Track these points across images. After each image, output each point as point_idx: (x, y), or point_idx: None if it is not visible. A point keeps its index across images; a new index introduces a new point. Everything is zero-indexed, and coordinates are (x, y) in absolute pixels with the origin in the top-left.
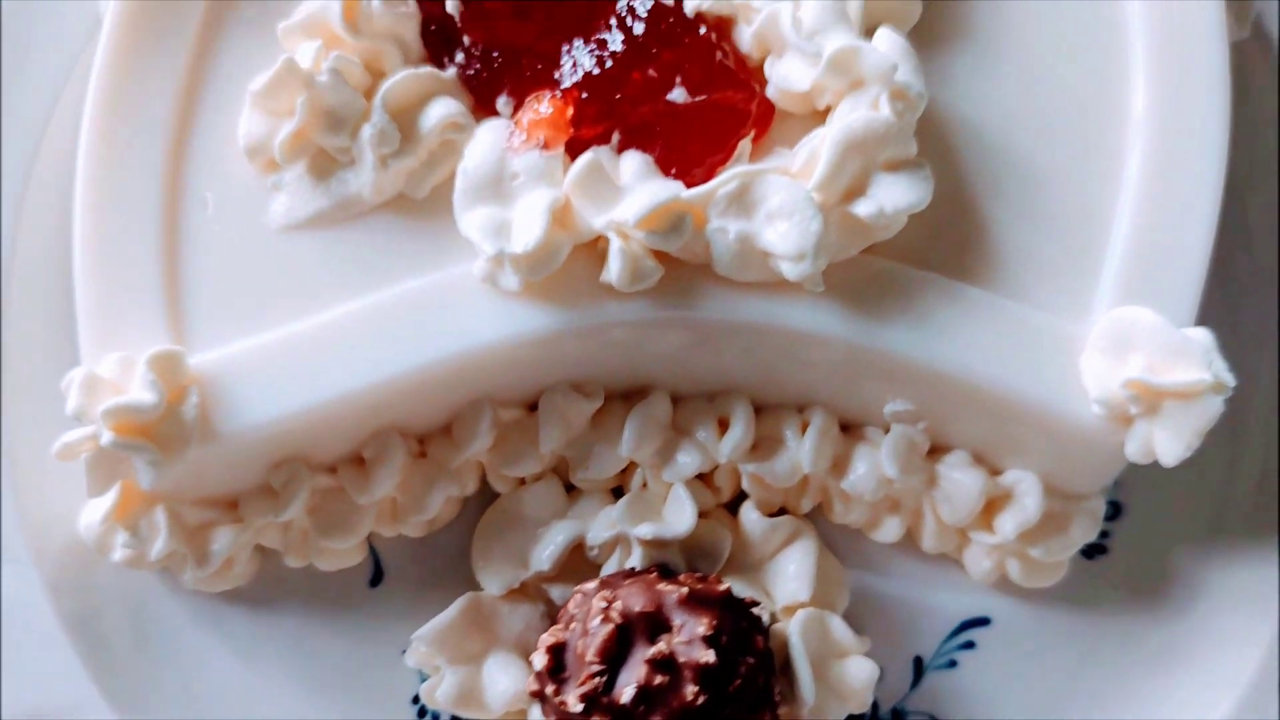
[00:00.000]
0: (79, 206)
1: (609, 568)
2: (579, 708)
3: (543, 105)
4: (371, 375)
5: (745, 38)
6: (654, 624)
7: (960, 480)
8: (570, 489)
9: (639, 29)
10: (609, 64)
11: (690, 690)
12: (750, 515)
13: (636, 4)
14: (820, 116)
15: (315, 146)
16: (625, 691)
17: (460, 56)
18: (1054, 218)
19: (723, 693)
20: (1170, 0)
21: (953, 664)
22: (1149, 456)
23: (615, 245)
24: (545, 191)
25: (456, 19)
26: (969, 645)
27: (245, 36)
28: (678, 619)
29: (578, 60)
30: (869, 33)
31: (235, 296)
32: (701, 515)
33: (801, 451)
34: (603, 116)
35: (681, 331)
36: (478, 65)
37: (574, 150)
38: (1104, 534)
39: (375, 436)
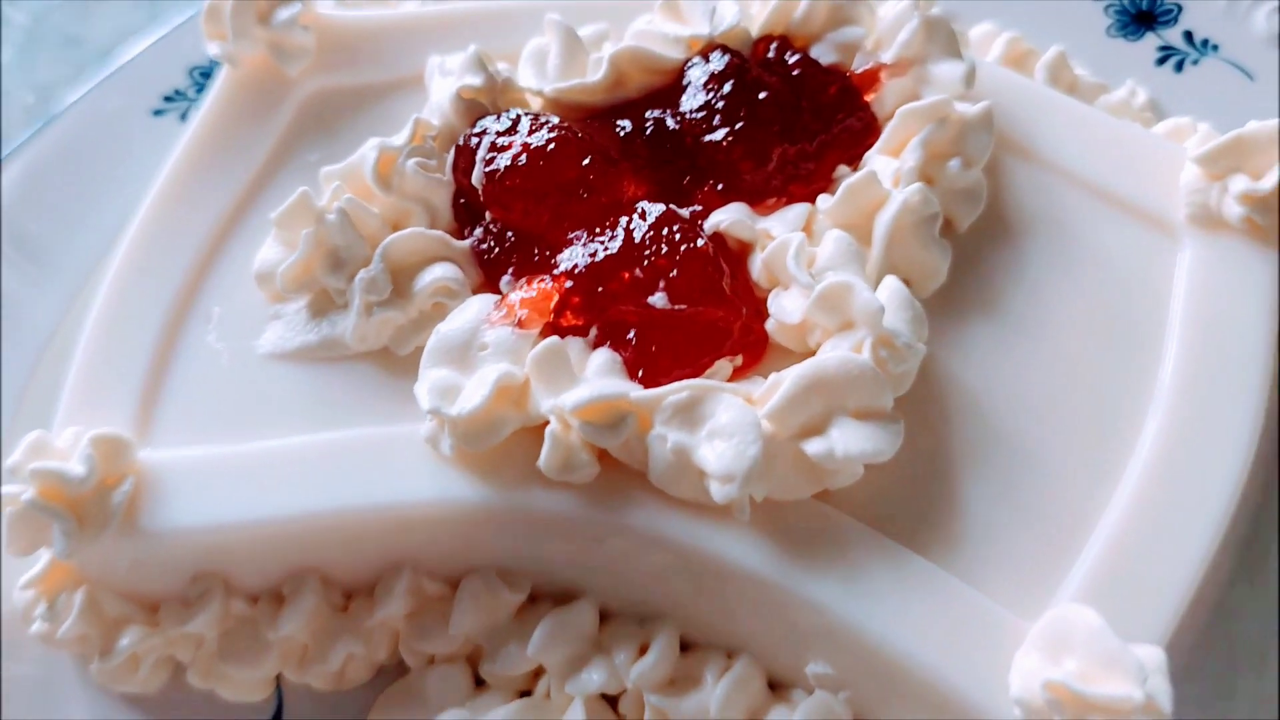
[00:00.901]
0: (103, 293)
1: None
2: None
3: (531, 287)
4: (296, 507)
5: (757, 266)
6: None
7: None
8: (480, 680)
9: (640, 231)
10: (600, 258)
11: None
12: None
13: (648, 207)
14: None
15: (319, 285)
16: None
17: (479, 231)
18: (1034, 505)
19: None
20: (1216, 306)
21: None
22: None
23: (553, 430)
24: (503, 366)
25: (479, 192)
26: None
27: (300, 177)
28: None
29: (575, 252)
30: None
31: (205, 406)
32: None
33: (714, 694)
34: (584, 309)
35: (606, 536)
36: (491, 241)
37: (559, 337)
38: None
39: (295, 574)
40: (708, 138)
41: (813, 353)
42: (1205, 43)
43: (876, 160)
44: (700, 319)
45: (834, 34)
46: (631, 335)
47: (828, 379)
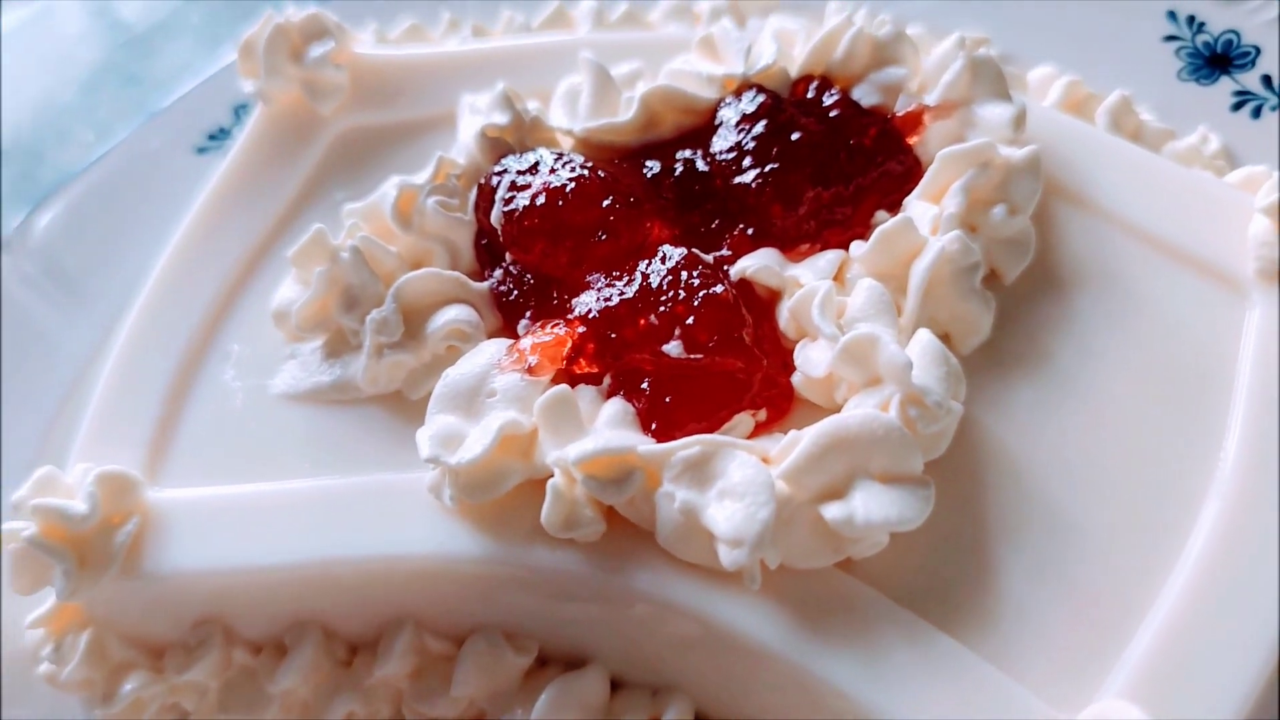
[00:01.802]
0: (127, 329)
1: None
2: None
3: (545, 332)
4: (298, 554)
5: (784, 315)
6: None
7: None
8: None
9: (658, 276)
10: (614, 303)
11: None
12: None
13: (669, 251)
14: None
15: (335, 325)
16: None
17: (498, 273)
18: (1078, 586)
19: None
20: None
21: None
22: None
23: (556, 484)
24: (510, 415)
25: (499, 233)
26: None
27: (326, 215)
28: None
29: (591, 296)
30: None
31: (216, 446)
32: None
33: None
34: (598, 356)
35: (608, 600)
36: (510, 283)
37: (571, 386)
38: None
39: (297, 625)
40: (737, 179)
41: (840, 409)
42: None
43: (915, 206)
44: (718, 369)
45: (876, 74)
46: (646, 385)
47: (850, 438)
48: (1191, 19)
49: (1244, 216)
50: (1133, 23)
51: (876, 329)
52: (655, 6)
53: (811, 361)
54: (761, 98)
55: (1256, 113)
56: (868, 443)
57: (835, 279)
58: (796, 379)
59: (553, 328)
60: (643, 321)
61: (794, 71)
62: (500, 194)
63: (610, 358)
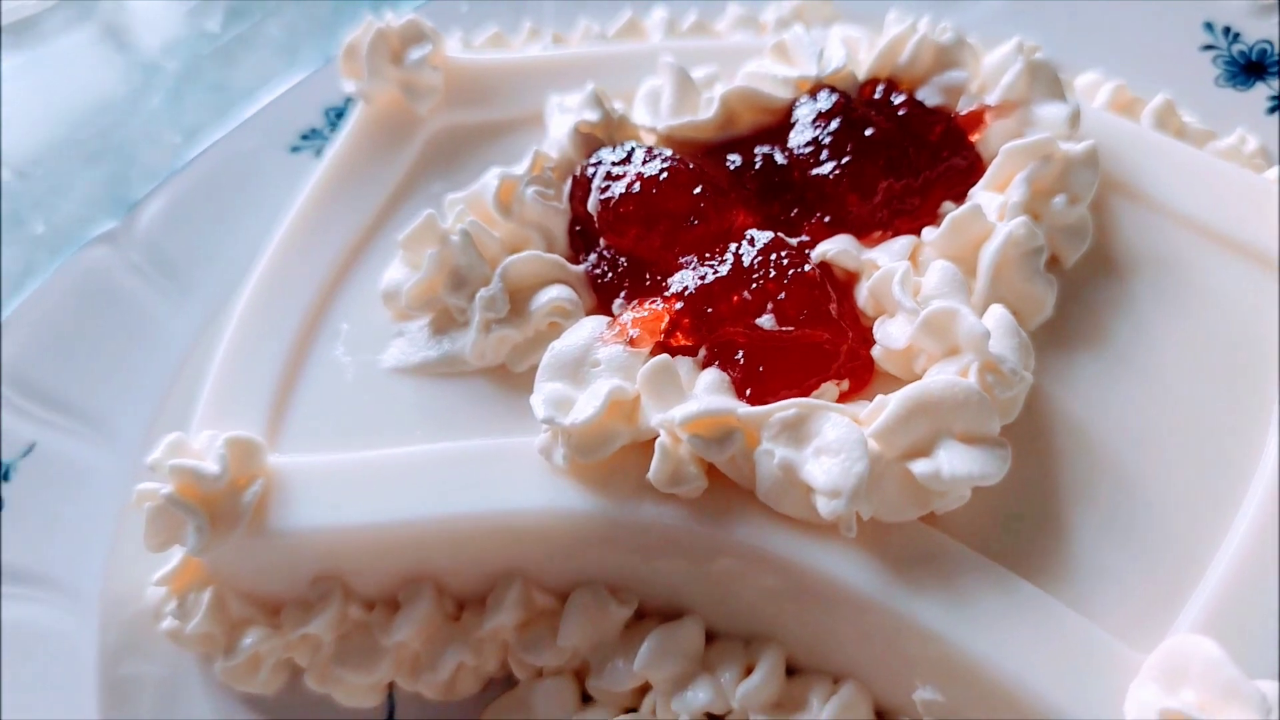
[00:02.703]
0: (241, 308)
1: None
2: None
3: (643, 308)
4: (413, 512)
5: (862, 295)
6: None
7: None
8: (587, 697)
9: (749, 256)
10: (710, 281)
11: None
12: None
13: (757, 234)
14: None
15: (441, 304)
16: None
17: (593, 257)
18: (1145, 537)
19: None
20: None
21: None
22: None
23: (662, 443)
24: (614, 382)
25: (595, 219)
26: None
27: (425, 206)
28: None
29: (686, 275)
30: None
31: (331, 415)
32: None
33: (821, 717)
34: (694, 330)
35: (712, 551)
36: (605, 266)
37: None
38: None
39: (410, 581)
40: (815, 171)
41: (918, 379)
42: None
43: (981, 195)
44: (807, 341)
45: (939, 77)
46: (740, 356)
47: (934, 401)
48: (1227, 30)
49: None
50: (1172, 32)
51: (954, 303)
52: (722, 16)
53: (891, 335)
54: (835, 97)
55: None
56: (950, 406)
57: (909, 260)
58: (875, 352)
59: (650, 304)
60: (736, 298)
61: (861, 75)
62: (597, 183)
63: (706, 331)
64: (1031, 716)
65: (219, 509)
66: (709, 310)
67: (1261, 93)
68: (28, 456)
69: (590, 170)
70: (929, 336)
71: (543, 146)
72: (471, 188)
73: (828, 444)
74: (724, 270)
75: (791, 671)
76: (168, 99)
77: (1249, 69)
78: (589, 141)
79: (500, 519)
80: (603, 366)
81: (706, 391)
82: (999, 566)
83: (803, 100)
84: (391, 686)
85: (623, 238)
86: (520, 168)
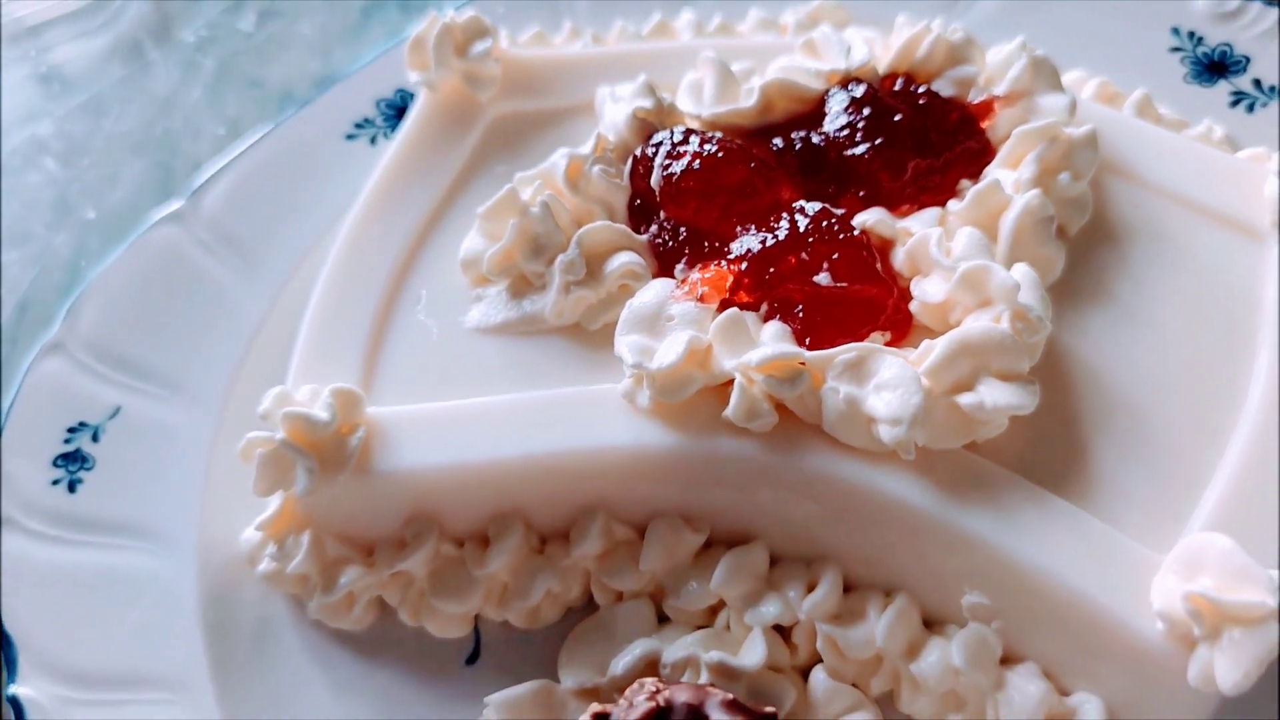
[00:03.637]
0: (325, 275)
1: None
2: None
3: (708, 269)
4: (508, 451)
5: (899, 258)
6: (693, 715)
7: (1025, 688)
8: (663, 619)
9: (803, 223)
10: (770, 245)
11: None
12: (819, 676)
13: (807, 205)
14: None
15: (517, 270)
16: None
17: (654, 228)
18: (1155, 458)
19: None
20: None
21: None
22: (1210, 683)
23: (739, 383)
24: (691, 333)
25: (656, 193)
26: None
27: (490, 184)
28: (716, 716)
29: (746, 240)
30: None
31: (419, 371)
32: (774, 668)
33: (879, 626)
34: (756, 288)
35: (784, 479)
36: (666, 236)
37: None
38: None
39: (500, 516)
40: (849, 152)
41: (951, 330)
42: (1272, 88)
43: (997, 172)
44: (860, 295)
45: (951, 71)
46: (799, 310)
47: (973, 344)
48: (1191, 34)
49: (1258, 181)
50: (1144, 36)
51: (987, 261)
52: (744, 19)
53: (928, 292)
54: (864, 87)
55: (1250, 108)
56: (988, 348)
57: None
58: (913, 306)
59: (714, 266)
60: (794, 259)
61: (881, 69)
62: (659, 160)
63: (767, 289)
64: (1068, 610)
65: (327, 453)
66: (771, 270)
67: (1224, 89)
68: (114, 419)
69: (651, 150)
70: (965, 290)
71: (600, 131)
72: (541, 166)
73: (886, 381)
74: (782, 235)
75: (847, 589)
76: (206, 94)
77: (1212, 68)
78: (644, 126)
79: (588, 456)
80: (677, 320)
81: (773, 339)
82: (1033, 484)
83: (834, 91)
84: (476, 619)
85: (684, 209)
86: (585, 148)
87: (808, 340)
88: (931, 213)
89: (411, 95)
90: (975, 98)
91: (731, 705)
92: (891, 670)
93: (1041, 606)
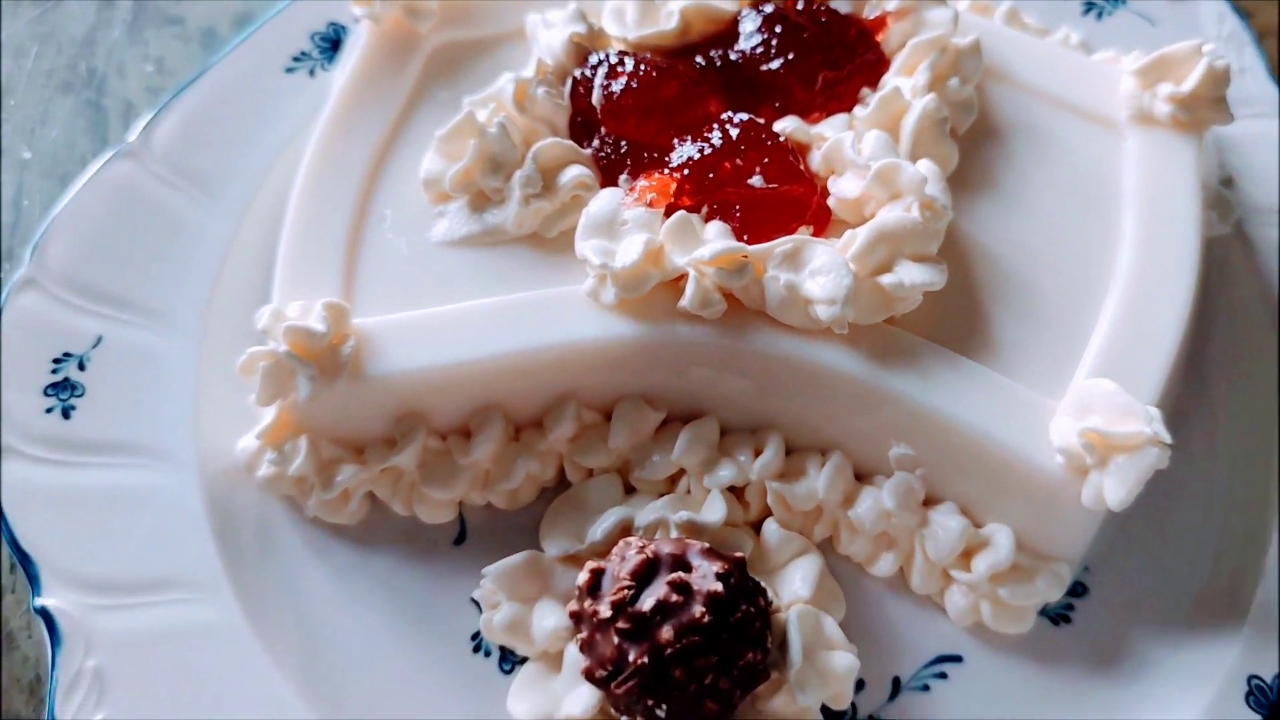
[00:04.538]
0: (294, 201)
1: None
2: (608, 614)
3: (652, 178)
4: (487, 350)
5: (815, 160)
6: (678, 563)
7: (946, 524)
8: (630, 491)
9: (734, 133)
10: (707, 153)
11: (698, 610)
12: (770, 527)
13: (735, 116)
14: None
15: (476, 187)
16: (646, 603)
17: (596, 143)
18: (1043, 319)
19: (724, 620)
20: (1157, 183)
21: (926, 688)
22: (1100, 503)
23: (692, 276)
24: (645, 235)
25: (598, 111)
26: (942, 676)
27: (436, 110)
28: (697, 561)
29: (685, 150)
30: None
31: (394, 284)
32: (731, 525)
33: (819, 481)
34: (697, 191)
35: (734, 359)
36: (608, 149)
37: (672, 215)
38: (1069, 607)
39: (481, 411)
40: (765, 67)
41: (865, 222)
42: None
43: (895, 80)
44: (789, 195)
45: None
46: (737, 209)
47: (889, 231)
48: None
49: (1114, 80)
50: None
51: (897, 159)
52: None
53: (844, 189)
54: (773, 7)
55: (1099, 16)
56: (902, 234)
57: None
58: (831, 201)
59: (658, 175)
60: (729, 165)
61: None
62: (599, 80)
63: (707, 193)
64: (981, 452)
65: (324, 362)
66: (710, 175)
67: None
68: (98, 347)
69: (590, 72)
70: (879, 185)
71: (539, 56)
72: (489, 90)
73: (819, 267)
74: (717, 143)
75: (789, 452)
76: (126, 32)
77: None
78: (579, 50)
79: (559, 350)
80: (630, 224)
81: (717, 237)
82: (944, 348)
83: (746, 11)
84: (460, 505)
85: (624, 125)
86: (528, 72)
87: (745, 237)
88: (840, 119)
89: (344, 28)
90: (870, 13)
91: (708, 552)
92: (831, 518)
93: (958, 453)
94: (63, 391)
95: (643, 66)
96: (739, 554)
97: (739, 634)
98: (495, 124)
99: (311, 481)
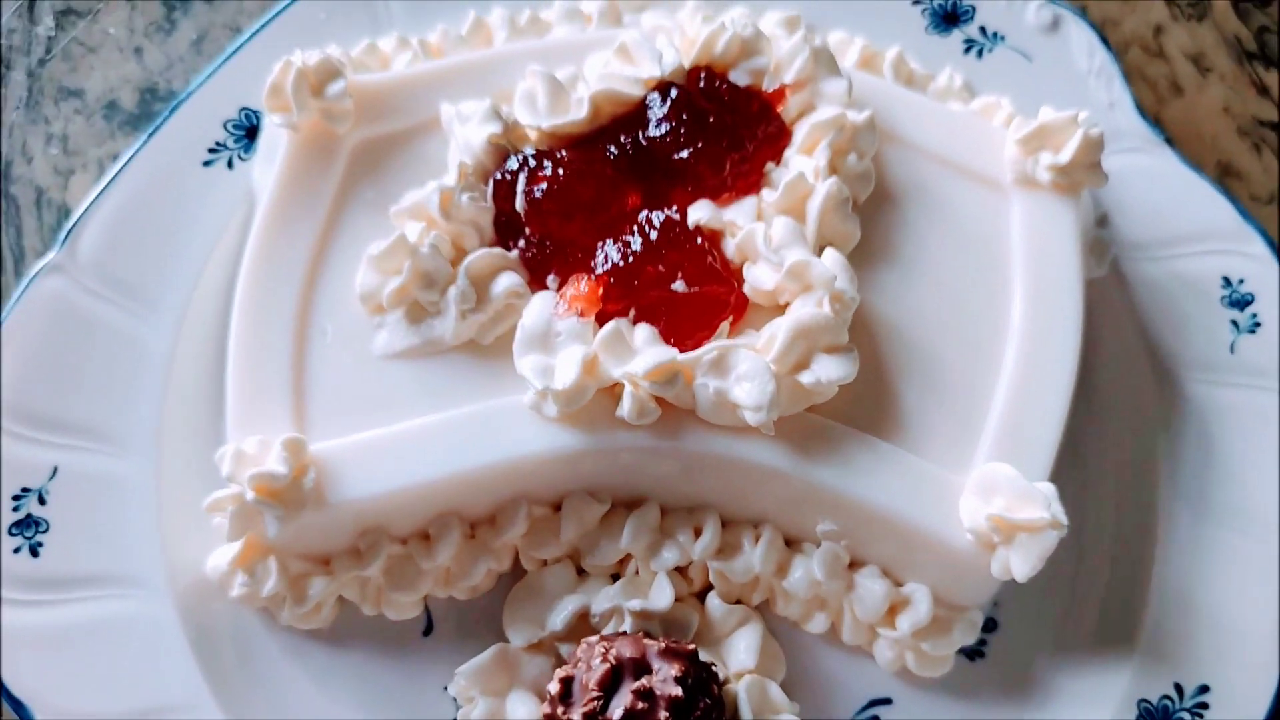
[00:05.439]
0: (234, 325)
1: (607, 632)
2: None
3: (581, 285)
4: (443, 469)
5: (730, 248)
6: (639, 667)
7: (871, 587)
8: (581, 572)
9: (654, 235)
10: (630, 259)
11: (663, 715)
12: (714, 602)
13: (654, 216)
14: (780, 310)
15: (412, 298)
16: (615, 713)
17: (522, 243)
18: (947, 394)
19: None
20: (1041, 243)
21: None
22: (1007, 575)
23: (628, 391)
24: (579, 348)
25: (521, 215)
26: (874, 719)
27: (364, 214)
28: (656, 664)
29: (608, 254)
30: (819, 250)
31: (343, 402)
32: (677, 599)
33: (754, 556)
34: (623, 296)
35: (671, 458)
36: (534, 250)
37: (601, 320)
38: (982, 642)
39: (439, 518)
40: (676, 155)
41: (780, 308)
42: (995, 34)
43: (796, 159)
44: (710, 295)
45: (746, 63)
46: (662, 312)
47: (805, 328)
48: None
49: (999, 142)
50: None
51: (807, 255)
52: (549, 8)
53: (759, 279)
54: (677, 93)
55: (980, 54)
56: (816, 330)
57: (757, 218)
58: (747, 289)
59: (585, 281)
60: (652, 269)
61: (686, 63)
62: (520, 186)
63: (633, 298)
64: (896, 528)
65: (288, 499)
66: (635, 282)
67: (958, 37)
68: (54, 479)
69: (509, 176)
70: (791, 279)
71: (452, 154)
72: (414, 200)
73: (744, 373)
74: (638, 247)
75: (725, 526)
76: (23, 110)
77: (946, 18)
78: (498, 150)
79: (509, 464)
80: (564, 336)
81: (646, 345)
82: (859, 431)
83: (652, 98)
84: (425, 598)
85: (547, 225)
86: (451, 179)
87: (672, 339)
88: (751, 202)
89: (256, 113)
90: (769, 86)
91: (665, 652)
92: (767, 586)
93: (879, 529)
94: (27, 529)
95: (560, 170)
96: (692, 645)
97: None
98: (427, 244)
99: (284, 596)
